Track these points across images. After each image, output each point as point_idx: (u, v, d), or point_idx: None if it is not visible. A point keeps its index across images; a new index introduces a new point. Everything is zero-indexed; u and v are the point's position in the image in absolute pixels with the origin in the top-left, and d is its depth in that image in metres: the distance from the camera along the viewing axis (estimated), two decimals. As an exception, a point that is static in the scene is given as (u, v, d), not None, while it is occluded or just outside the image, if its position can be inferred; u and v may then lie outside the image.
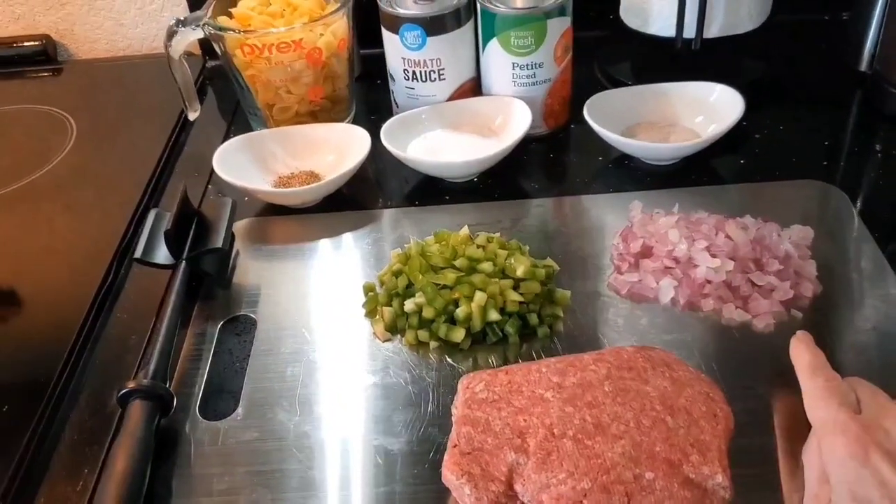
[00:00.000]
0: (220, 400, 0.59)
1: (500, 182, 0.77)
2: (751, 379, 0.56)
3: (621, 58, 0.91)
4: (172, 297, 0.62)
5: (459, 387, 0.54)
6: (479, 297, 0.60)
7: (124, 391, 0.55)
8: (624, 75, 0.89)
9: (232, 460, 0.54)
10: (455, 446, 0.50)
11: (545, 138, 0.82)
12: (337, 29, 0.78)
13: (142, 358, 0.62)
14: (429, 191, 0.77)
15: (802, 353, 0.51)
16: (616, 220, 0.70)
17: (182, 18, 0.77)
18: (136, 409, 0.54)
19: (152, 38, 1.06)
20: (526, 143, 0.76)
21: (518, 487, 0.47)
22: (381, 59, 0.85)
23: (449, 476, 0.48)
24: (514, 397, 0.51)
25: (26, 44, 1.05)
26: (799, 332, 0.53)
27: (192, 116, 0.84)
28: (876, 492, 0.42)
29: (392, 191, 0.78)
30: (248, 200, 0.76)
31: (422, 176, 0.78)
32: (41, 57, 1.05)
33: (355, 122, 0.86)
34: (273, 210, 0.76)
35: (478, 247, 0.64)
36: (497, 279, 0.61)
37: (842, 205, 0.71)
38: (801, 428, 0.49)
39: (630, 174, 0.77)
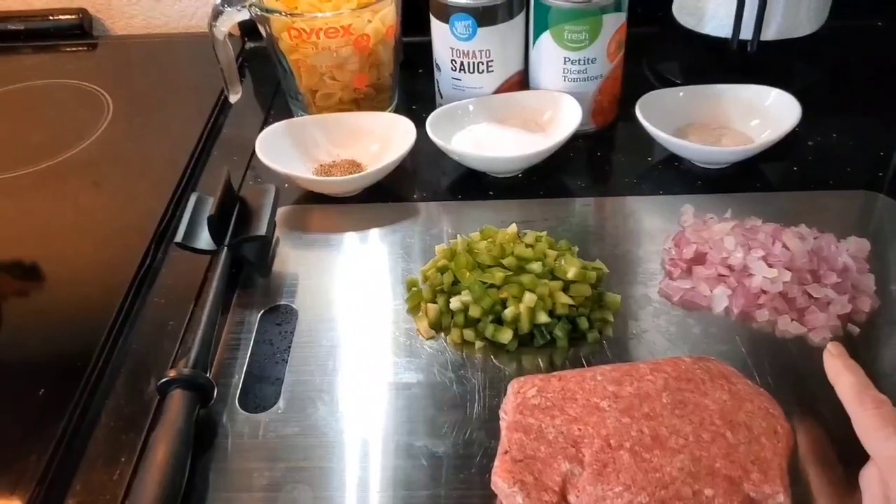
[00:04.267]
0: (261, 392, 0.57)
1: (544, 179, 0.75)
2: (807, 394, 0.55)
3: (670, 55, 0.89)
4: (214, 284, 0.61)
5: (509, 391, 0.52)
6: (529, 298, 0.58)
7: (164, 380, 0.54)
8: (672, 73, 0.87)
9: (273, 455, 0.53)
10: (506, 453, 0.48)
11: (592, 136, 0.80)
12: (385, 15, 0.77)
13: (180, 345, 0.61)
14: (470, 185, 0.76)
15: (842, 373, 0.49)
16: (666, 223, 0.69)
17: (228, -2, 0.76)
18: (177, 399, 0.53)
19: (190, 15, 1.05)
20: (572, 139, 0.74)
21: (572, 499, 0.46)
22: (423, 47, 0.83)
23: (500, 483, 0.47)
24: (569, 405, 0.50)
25: (62, 17, 1.04)
26: (830, 346, 0.51)
27: (233, 99, 0.83)
28: None
29: (432, 183, 0.77)
30: (288, 187, 0.75)
31: (463, 169, 0.76)
32: (77, 31, 1.04)
33: (396, 111, 0.85)
34: (312, 198, 0.74)
35: (526, 246, 0.63)
36: (546, 280, 0.60)
37: (897, 217, 0.69)
38: (858, 448, 0.47)
39: (679, 176, 0.75)
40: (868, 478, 0.45)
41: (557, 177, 0.76)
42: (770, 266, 0.60)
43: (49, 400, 0.56)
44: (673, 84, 0.84)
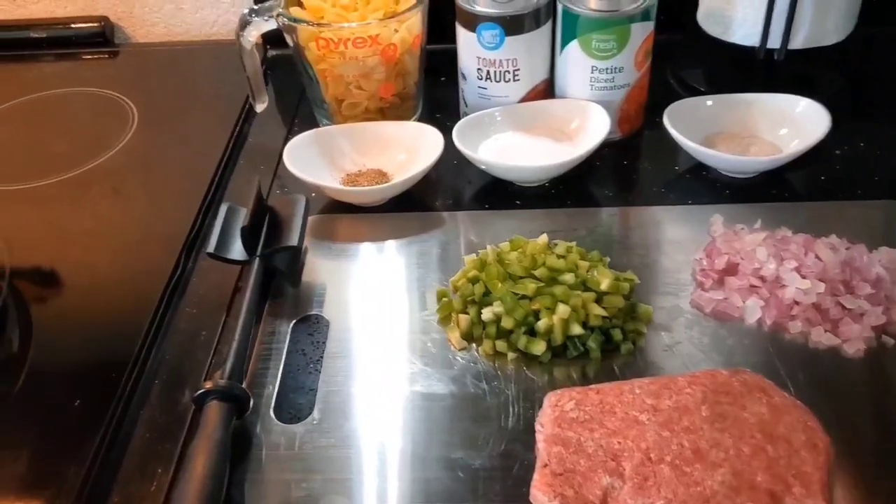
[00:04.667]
0: (296, 402, 0.58)
1: (571, 188, 0.75)
2: (842, 406, 0.54)
3: (694, 63, 0.89)
4: (248, 295, 0.61)
5: (546, 403, 0.52)
6: (563, 309, 0.58)
7: (201, 391, 0.54)
8: (696, 81, 0.87)
9: (309, 466, 0.53)
10: (545, 466, 0.48)
11: (618, 144, 0.80)
12: (412, 25, 0.77)
13: (214, 355, 0.61)
14: (496, 194, 0.75)
15: None
16: (695, 233, 0.68)
17: (255, 8, 0.76)
18: (214, 411, 0.53)
19: (211, 23, 1.05)
20: (599, 148, 0.74)
21: (613, 513, 0.46)
22: (445, 55, 0.83)
23: (540, 497, 0.47)
24: (607, 418, 0.50)
25: (84, 25, 1.04)
26: None
27: (259, 108, 0.83)
28: None
29: (457, 192, 0.77)
30: (314, 196, 0.75)
31: (488, 178, 0.76)
32: (98, 39, 1.04)
33: (420, 119, 0.85)
34: (338, 207, 0.74)
35: (558, 257, 0.63)
36: (579, 291, 0.60)
37: (928, 227, 0.69)
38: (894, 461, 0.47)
39: (707, 185, 0.75)
40: None
41: (584, 186, 0.76)
42: (803, 277, 0.60)
43: (85, 410, 0.57)
44: (697, 92, 0.84)
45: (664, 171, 0.77)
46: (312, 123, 0.85)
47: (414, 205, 0.75)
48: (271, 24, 0.76)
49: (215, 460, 0.50)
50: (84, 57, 1.04)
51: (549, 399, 0.52)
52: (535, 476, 0.48)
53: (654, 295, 0.63)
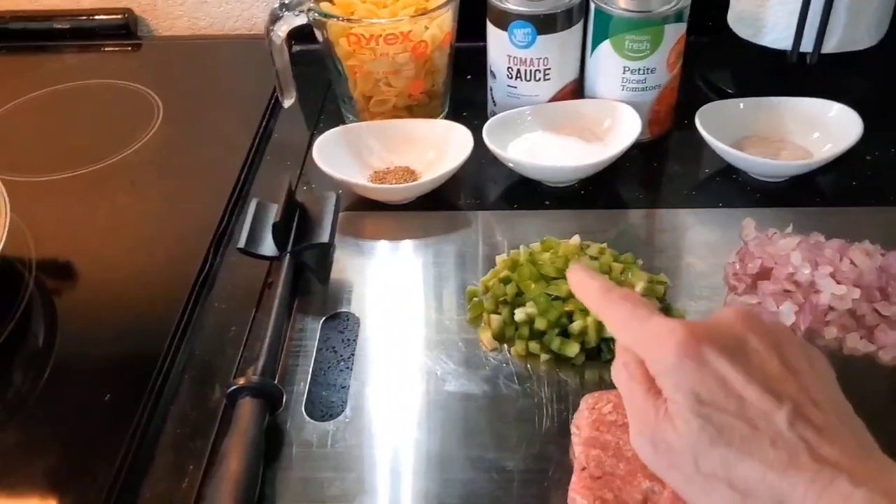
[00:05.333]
0: (328, 400, 0.57)
1: (601, 189, 0.75)
2: (877, 413, 0.54)
3: (723, 65, 0.89)
4: (279, 291, 0.61)
5: (582, 406, 0.52)
6: (597, 311, 0.57)
7: (234, 388, 0.54)
8: (725, 83, 0.86)
9: (342, 465, 0.53)
10: (584, 469, 0.48)
11: (648, 145, 0.79)
12: (443, 22, 0.76)
13: (243, 350, 0.60)
14: (525, 194, 0.75)
15: (586, 281, 0.46)
16: (726, 236, 0.68)
17: (286, 2, 0.75)
18: (247, 408, 0.53)
19: (235, 17, 1.05)
20: (628, 149, 0.74)
21: (653, 518, 0.45)
22: (472, 52, 0.83)
23: (579, 500, 0.46)
24: (646, 422, 0.49)
25: (107, 17, 1.04)
26: (573, 266, 0.50)
27: (286, 103, 0.82)
28: (720, 392, 0.38)
29: (485, 191, 0.76)
30: (341, 193, 0.74)
31: (515, 177, 0.76)
32: (122, 31, 1.04)
33: (447, 117, 0.84)
34: (365, 204, 0.74)
35: (591, 258, 0.62)
36: (613, 293, 0.59)
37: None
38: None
39: (737, 188, 0.74)
40: (619, 372, 0.43)
41: (614, 187, 0.75)
42: (838, 283, 0.60)
43: (116, 406, 0.56)
44: (726, 94, 0.84)
45: (693, 173, 0.77)
46: (338, 120, 0.85)
47: (441, 203, 0.74)
48: (301, 19, 0.76)
49: (250, 458, 0.50)
50: (107, 49, 1.03)
51: (587, 401, 0.52)
52: (574, 479, 0.48)
53: (686, 298, 0.63)
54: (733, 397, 0.38)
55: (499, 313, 0.61)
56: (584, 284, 0.47)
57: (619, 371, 0.43)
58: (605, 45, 0.74)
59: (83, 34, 1.04)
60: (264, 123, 0.85)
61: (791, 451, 0.37)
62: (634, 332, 0.43)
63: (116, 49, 1.04)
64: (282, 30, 0.76)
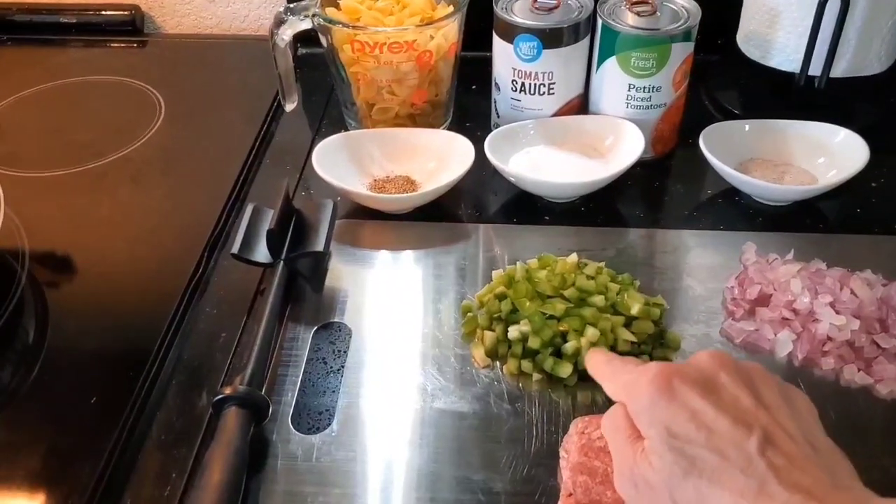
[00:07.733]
0: (315, 412, 0.56)
1: (601, 206, 0.74)
2: (874, 448, 0.53)
3: (730, 85, 0.88)
4: (270, 299, 0.60)
5: (572, 430, 0.51)
6: (592, 332, 0.57)
7: (220, 397, 0.53)
8: (731, 104, 0.85)
9: (326, 479, 0.52)
10: (570, 495, 0.47)
11: (650, 164, 0.79)
12: (449, 32, 0.76)
13: (232, 358, 0.60)
14: (524, 208, 0.74)
15: (600, 361, 0.49)
16: (726, 260, 0.67)
17: (291, 6, 0.75)
18: (232, 417, 0.52)
19: (242, 18, 1.04)
20: (631, 167, 0.73)
21: (638, 548, 0.45)
22: (477, 63, 0.82)
23: (564, 527, 0.46)
24: (636, 449, 0.48)
25: (114, 13, 1.03)
26: (591, 350, 0.54)
27: (288, 108, 0.82)
28: (691, 424, 0.39)
29: (485, 204, 0.76)
30: (340, 201, 0.74)
31: (516, 191, 0.75)
32: (128, 27, 1.03)
33: (449, 128, 0.83)
34: (362, 213, 0.73)
35: (588, 277, 0.61)
36: (609, 315, 0.58)
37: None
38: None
39: (739, 211, 0.73)
40: (605, 423, 0.45)
41: (614, 204, 0.75)
42: (837, 313, 0.59)
43: (102, 409, 0.56)
44: (732, 115, 0.83)
45: (695, 194, 0.76)
46: (340, 125, 0.84)
47: (440, 214, 0.74)
48: (306, 24, 0.75)
49: (232, 469, 0.49)
50: (112, 45, 1.03)
51: (577, 425, 0.51)
52: (559, 504, 0.47)
53: (683, 322, 0.62)
54: (704, 429, 0.39)
55: (492, 330, 0.60)
56: (597, 364, 0.49)
57: (605, 422, 0.45)
58: (611, 62, 0.73)
59: (89, 29, 1.04)
60: (266, 126, 0.85)
61: (761, 478, 0.37)
62: (618, 382, 0.45)
63: (122, 45, 1.03)
64: (286, 34, 0.75)
